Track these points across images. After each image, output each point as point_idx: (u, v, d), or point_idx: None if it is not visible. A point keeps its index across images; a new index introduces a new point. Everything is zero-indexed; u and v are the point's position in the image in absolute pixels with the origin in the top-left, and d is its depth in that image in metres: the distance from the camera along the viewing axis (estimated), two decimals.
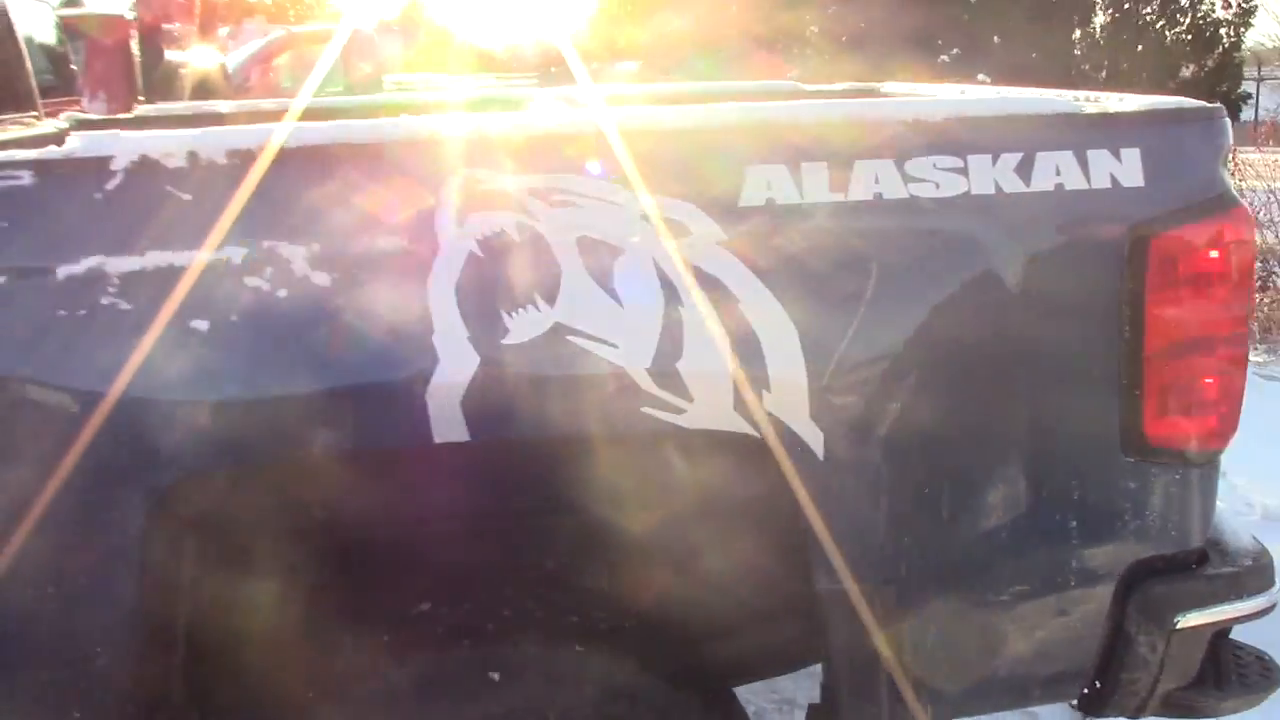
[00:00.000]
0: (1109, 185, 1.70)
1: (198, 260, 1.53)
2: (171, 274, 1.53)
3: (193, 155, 1.56)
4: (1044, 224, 1.70)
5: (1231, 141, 1.81)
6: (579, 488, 1.67)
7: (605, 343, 1.61)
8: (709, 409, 1.64)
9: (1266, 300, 6.80)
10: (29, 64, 3.57)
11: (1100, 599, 1.81)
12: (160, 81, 9.11)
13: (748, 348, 1.63)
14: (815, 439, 1.66)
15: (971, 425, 1.72)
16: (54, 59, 6.47)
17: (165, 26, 12.11)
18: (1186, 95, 1.93)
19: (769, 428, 1.64)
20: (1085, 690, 1.89)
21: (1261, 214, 7.28)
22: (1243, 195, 3.32)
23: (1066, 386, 1.74)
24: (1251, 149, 8.44)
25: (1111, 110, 1.76)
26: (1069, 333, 1.73)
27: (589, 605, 1.80)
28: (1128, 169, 1.71)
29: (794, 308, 1.63)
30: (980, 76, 11.78)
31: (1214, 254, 1.73)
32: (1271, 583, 1.89)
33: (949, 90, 2.83)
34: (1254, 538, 1.96)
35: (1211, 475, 1.84)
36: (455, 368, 1.57)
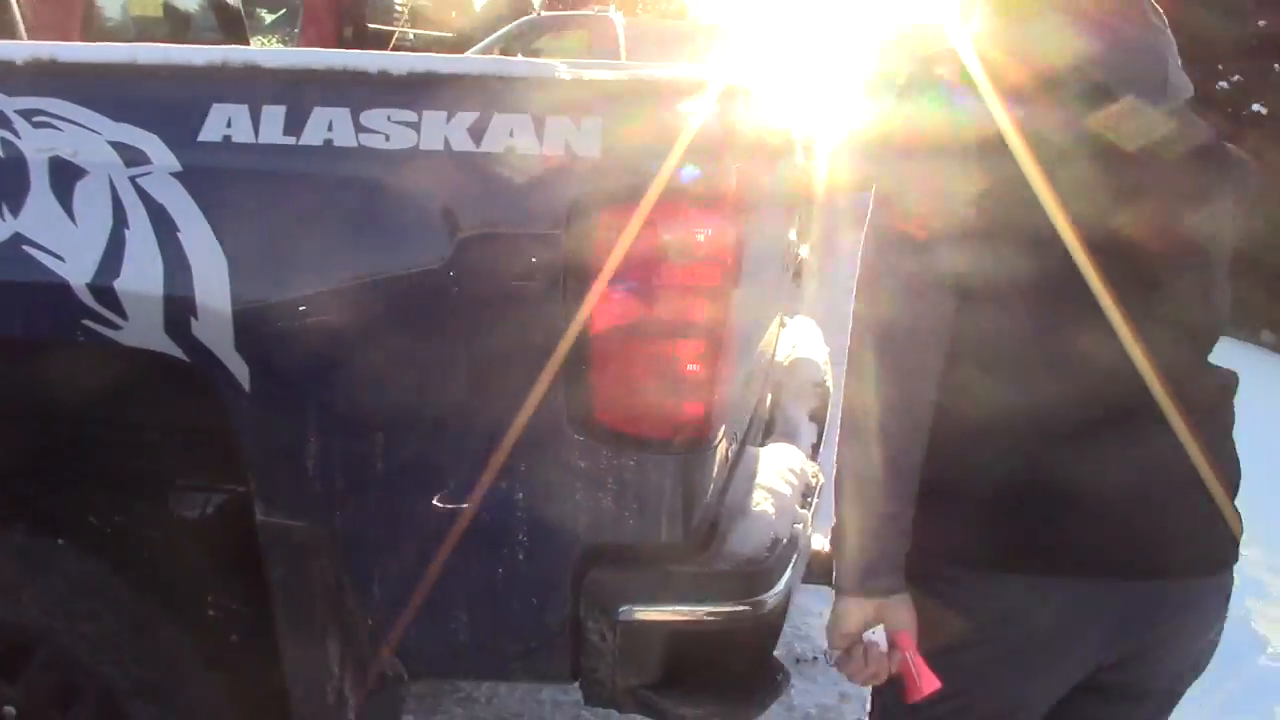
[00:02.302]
0: (562, 152, 1.67)
1: None
2: None
3: None
4: (493, 186, 1.68)
5: (746, 125, 1.71)
6: (22, 389, 1.81)
7: (55, 255, 1.73)
8: (142, 329, 1.73)
9: None
10: None
11: (555, 579, 1.77)
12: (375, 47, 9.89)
13: (180, 275, 1.71)
14: (241, 371, 1.72)
15: (406, 382, 1.73)
16: (227, 21, 7.13)
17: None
18: None
19: (196, 354, 1.72)
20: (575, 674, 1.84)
21: None
22: None
23: (511, 353, 1.71)
24: None
25: (575, 77, 1.71)
26: (516, 299, 1.70)
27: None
28: (585, 139, 1.67)
29: (229, 242, 1.70)
30: None
31: (672, 236, 1.66)
32: (753, 593, 1.77)
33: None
34: (769, 548, 1.84)
35: (693, 468, 1.76)
36: None
